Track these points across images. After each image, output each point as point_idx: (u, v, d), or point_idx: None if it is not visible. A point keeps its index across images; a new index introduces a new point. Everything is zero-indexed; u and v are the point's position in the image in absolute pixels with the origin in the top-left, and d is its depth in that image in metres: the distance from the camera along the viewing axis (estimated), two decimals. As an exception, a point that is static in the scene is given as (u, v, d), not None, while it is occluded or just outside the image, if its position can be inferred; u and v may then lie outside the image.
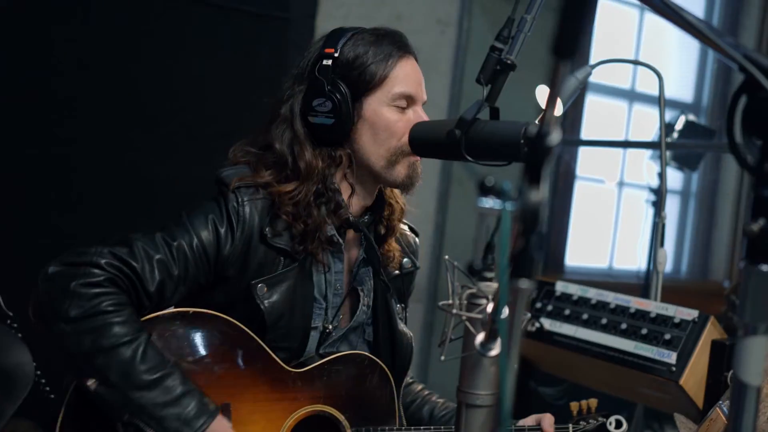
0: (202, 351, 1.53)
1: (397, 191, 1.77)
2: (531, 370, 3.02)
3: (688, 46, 5.46)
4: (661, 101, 2.47)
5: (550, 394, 3.31)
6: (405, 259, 1.83)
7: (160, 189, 2.98)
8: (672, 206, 5.35)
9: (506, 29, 1.37)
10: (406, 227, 1.91)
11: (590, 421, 1.83)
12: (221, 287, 1.61)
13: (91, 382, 1.44)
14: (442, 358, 1.24)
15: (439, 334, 2.07)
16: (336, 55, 1.63)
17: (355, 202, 1.70)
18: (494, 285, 1.26)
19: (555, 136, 0.77)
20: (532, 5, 1.34)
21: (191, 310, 1.54)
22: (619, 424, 1.83)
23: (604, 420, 1.84)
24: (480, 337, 1.15)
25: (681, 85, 5.39)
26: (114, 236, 1.55)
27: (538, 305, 2.46)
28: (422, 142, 1.52)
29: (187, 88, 3.07)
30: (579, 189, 4.75)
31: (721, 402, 1.65)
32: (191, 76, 3.07)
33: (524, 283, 0.80)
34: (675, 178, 5.23)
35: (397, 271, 1.81)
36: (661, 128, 2.46)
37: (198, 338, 1.54)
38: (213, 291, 1.61)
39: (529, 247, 0.79)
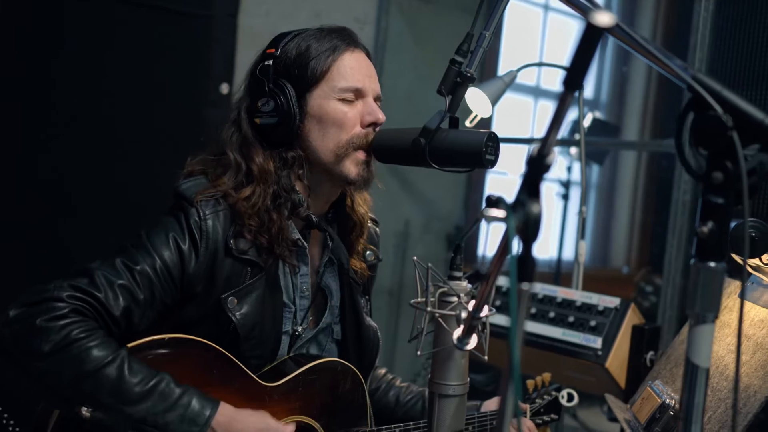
0: (180, 378, 1.47)
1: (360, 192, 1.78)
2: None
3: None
4: (580, 103, 2.64)
5: (480, 381, 3.46)
6: (368, 252, 1.84)
7: (80, 186, 2.95)
8: (575, 197, 5.63)
9: (465, 43, 1.46)
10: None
11: (544, 396, 1.95)
12: (189, 304, 1.57)
13: (84, 411, 1.40)
14: (419, 353, 1.33)
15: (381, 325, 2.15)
16: (277, 54, 1.62)
17: (314, 204, 1.68)
18: (463, 284, 1.37)
19: (553, 156, 0.88)
20: (490, 22, 1.43)
21: (166, 336, 1.51)
22: (570, 398, 1.95)
23: (557, 394, 1.95)
24: (457, 332, 1.25)
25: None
26: (71, 270, 1.49)
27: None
28: (385, 149, 1.59)
29: (108, 86, 3.03)
30: (491, 183, 4.94)
31: (650, 381, 1.81)
32: (111, 74, 3.02)
33: (525, 286, 0.90)
34: (578, 171, 5.51)
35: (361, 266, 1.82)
36: (580, 128, 2.63)
37: (174, 365, 1.49)
38: (181, 309, 1.58)
39: (529, 253, 0.89)
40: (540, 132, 5.25)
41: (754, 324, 1.61)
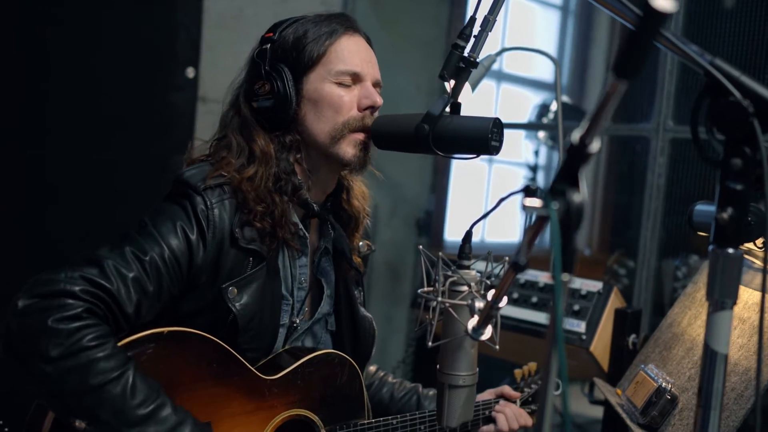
0: (180, 372, 1.45)
1: (357, 180, 1.78)
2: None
3: (549, 29, 5.78)
4: (557, 87, 2.64)
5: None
6: (360, 243, 1.83)
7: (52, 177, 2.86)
8: (542, 181, 5.67)
9: (468, 28, 1.43)
10: None
11: (532, 386, 1.96)
12: (191, 295, 1.54)
13: (79, 422, 1.35)
14: (429, 344, 1.31)
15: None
16: (275, 38, 1.62)
17: (313, 191, 1.67)
18: (472, 272, 1.35)
19: (596, 145, 0.86)
20: (494, 7, 1.41)
21: (165, 330, 1.46)
22: (557, 386, 1.96)
23: None
24: (472, 322, 1.23)
25: (542, 65, 5.70)
26: (79, 255, 1.44)
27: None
28: (385, 135, 1.56)
29: (71, 70, 2.95)
30: (456, 166, 4.93)
31: (642, 366, 1.82)
32: (76, 57, 2.94)
33: (566, 277, 0.88)
34: (545, 155, 5.54)
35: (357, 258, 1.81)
36: (558, 112, 2.62)
37: (174, 359, 1.46)
38: (181, 299, 1.53)
39: (570, 243, 0.87)
40: (503, 113, 5.28)
41: (748, 307, 1.63)
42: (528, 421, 1.88)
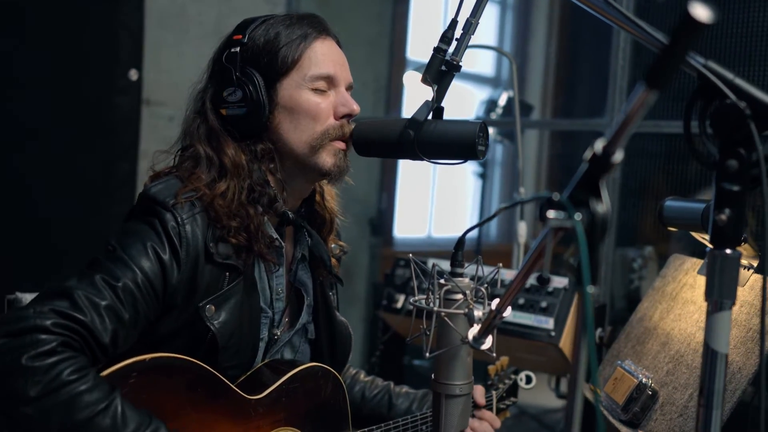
0: (165, 400, 1.38)
1: (327, 186, 1.73)
2: (405, 346, 3.14)
3: (487, 23, 5.81)
4: (515, 85, 2.65)
5: (426, 367, 3.46)
6: (333, 245, 1.77)
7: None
8: (490, 176, 5.71)
9: (450, 31, 1.41)
10: None
11: (505, 381, 1.95)
12: (168, 317, 1.46)
13: None
14: (427, 354, 1.29)
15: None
16: (245, 41, 1.53)
17: (288, 199, 1.60)
18: (466, 280, 1.33)
19: (619, 155, 0.85)
20: (476, 10, 1.39)
21: (148, 357, 1.38)
22: (529, 380, 1.97)
23: (515, 377, 1.96)
24: (473, 331, 1.21)
25: (484, 60, 5.74)
26: (46, 289, 1.35)
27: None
28: (368, 141, 1.52)
29: (12, 73, 2.83)
30: (403, 164, 4.92)
31: (619, 362, 1.84)
32: (14, 61, 2.83)
33: (590, 289, 0.87)
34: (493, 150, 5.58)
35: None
36: (515, 109, 2.64)
37: (159, 387, 1.39)
38: (157, 322, 1.45)
39: (596, 255, 0.86)
40: (449, 109, 5.27)
41: (725, 301, 1.66)
42: (496, 422, 1.87)
